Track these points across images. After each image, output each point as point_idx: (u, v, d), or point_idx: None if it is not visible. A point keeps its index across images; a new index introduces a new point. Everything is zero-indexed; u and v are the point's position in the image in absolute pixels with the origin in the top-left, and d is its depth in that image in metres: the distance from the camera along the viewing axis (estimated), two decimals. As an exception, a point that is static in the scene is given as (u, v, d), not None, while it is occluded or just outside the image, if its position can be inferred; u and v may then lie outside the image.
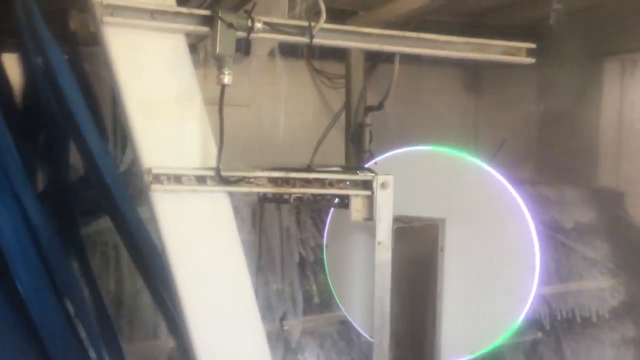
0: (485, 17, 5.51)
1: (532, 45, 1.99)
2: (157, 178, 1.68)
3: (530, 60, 2.00)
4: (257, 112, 5.80)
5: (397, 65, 4.99)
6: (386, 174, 1.88)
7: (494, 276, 1.98)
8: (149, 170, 1.66)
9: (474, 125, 6.69)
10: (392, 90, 4.95)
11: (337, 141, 5.74)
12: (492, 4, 5.11)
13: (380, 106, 5.11)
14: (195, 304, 1.74)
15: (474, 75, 6.65)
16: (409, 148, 2.15)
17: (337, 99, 5.92)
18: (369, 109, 5.31)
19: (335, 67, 5.89)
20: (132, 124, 1.68)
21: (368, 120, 5.33)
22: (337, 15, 5.25)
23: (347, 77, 5.53)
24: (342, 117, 5.71)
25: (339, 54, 5.50)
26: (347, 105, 5.54)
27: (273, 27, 1.74)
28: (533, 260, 1.91)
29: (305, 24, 1.78)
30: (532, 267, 1.90)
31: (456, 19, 5.43)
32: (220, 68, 1.68)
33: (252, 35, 1.71)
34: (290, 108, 5.92)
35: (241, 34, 1.70)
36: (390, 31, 1.85)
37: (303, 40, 1.79)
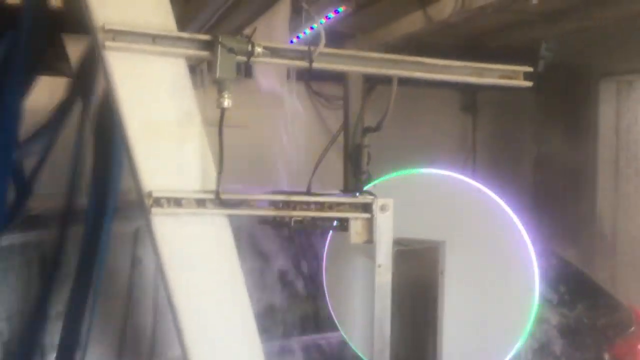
0: (484, 40, 5.57)
1: (529, 69, 2.01)
2: (158, 201, 1.68)
3: (527, 83, 2.02)
4: (256, 134, 5.82)
5: (395, 87, 5.02)
6: (385, 197, 1.88)
7: (494, 299, 1.98)
8: (150, 194, 1.66)
9: (471, 146, 6.71)
10: (390, 111, 4.99)
11: (335, 162, 5.75)
12: (490, 26, 5.16)
13: (378, 127, 5.13)
14: (193, 327, 1.73)
15: (471, 96, 6.69)
16: (408, 170, 2.16)
17: (335, 120, 5.95)
18: (367, 130, 5.32)
19: (333, 89, 5.93)
20: (132, 147, 1.69)
21: (366, 141, 5.35)
22: (336, 37, 5.30)
23: (345, 98, 5.57)
24: (341, 138, 5.74)
25: (337, 76, 5.54)
26: (345, 126, 5.56)
27: (273, 52, 1.76)
28: (533, 282, 1.91)
29: (305, 48, 1.79)
30: (532, 289, 1.90)
31: (455, 41, 5.48)
32: (220, 92, 1.70)
33: (253, 59, 1.72)
34: (290, 129, 5.95)
35: (241, 59, 1.71)
36: (389, 55, 1.87)
37: (303, 64, 1.80)
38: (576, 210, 6.22)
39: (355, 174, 5.28)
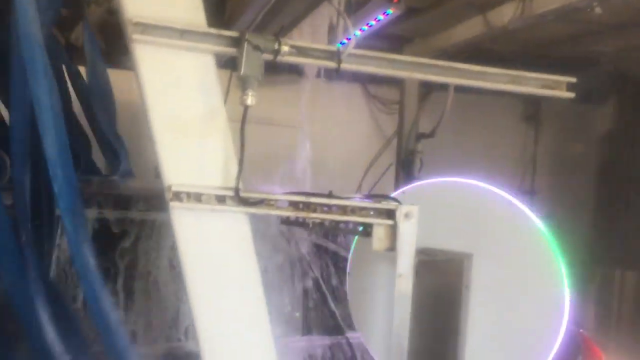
0: (548, 49, 5.38)
1: (572, 80, 1.91)
2: (177, 195, 1.69)
3: (569, 94, 1.92)
4: (308, 134, 5.82)
5: (451, 93, 4.94)
6: (411, 204, 1.83)
7: (521, 317, 1.89)
8: (169, 187, 1.68)
9: (531, 158, 6.49)
10: (446, 118, 4.90)
11: (388, 167, 5.69)
12: (553, 36, 4.98)
13: (432, 134, 5.06)
14: (207, 320, 1.74)
15: (534, 106, 6.47)
16: (440, 179, 2.10)
17: (390, 125, 5.89)
18: (421, 136, 5.25)
19: (390, 93, 5.87)
20: (156, 141, 1.71)
21: (420, 147, 5.27)
22: (394, 40, 5.25)
23: (401, 103, 5.50)
24: (395, 142, 5.68)
25: (394, 80, 5.48)
26: (400, 131, 5.50)
27: (300, 51, 1.74)
28: (562, 302, 1.81)
29: (334, 48, 1.77)
30: (561, 310, 1.81)
31: (516, 49, 5.31)
32: (244, 89, 1.69)
33: (279, 58, 1.71)
34: (342, 131, 5.93)
35: (268, 57, 1.70)
36: (419, 59, 1.82)
37: (331, 64, 1.78)
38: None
39: (406, 180, 5.20)
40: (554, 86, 1.94)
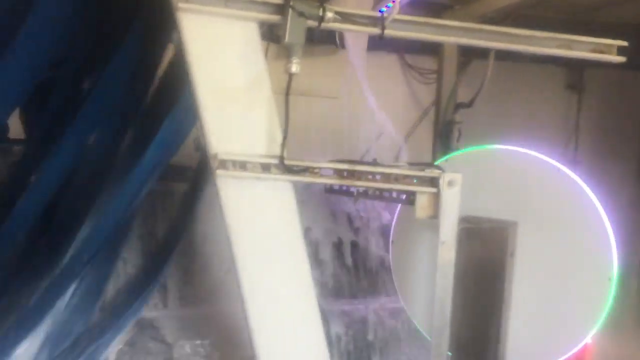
0: (593, 14, 5.20)
1: (624, 43, 1.85)
2: (223, 164, 1.71)
3: (621, 58, 1.86)
4: (347, 105, 5.79)
5: (491, 62, 4.84)
6: (455, 172, 1.81)
7: (567, 285, 1.88)
8: (215, 156, 1.70)
9: (574, 128, 6.34)
10: (485, 87, 4.80)
11: (425, 137, 5.63)
12: (598, 0, 4.81)
13: (471, 103, 4.98)
14: (252, 286, 1.77)
15: (578, 74, 6.29)
16: (484, 146, 2.07)
17: (427, 95, 5.80)
18: (459, 106, 5.17)
19: (427, 62, 5.76)
20: (201, 109, 1.72)
21: (458, 117, 5.19)
22: (435, 8, 5.15)
23: (439, 72, 5.41)
24: (432, 113, 5.60)
25: (432, 49, 5.38)
26: (437, 101, 5.42)
27: (345, 17, 1.72)
28: (610, 270, 1.79)
29: (378, 14, 1.74)
30: (609, 278, 1.78)
31: (560, 15, 5.16)
32: (289, 57, 1.69)
33: (323, 25, 1.70)
34: (380, 102, 5.87)
35: (312, 23, 1.69)
36: (464, 23, 1.78)
37: (375, 31, 1.76)
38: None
39: (445, 151, 5.15)
40: (604, 50, 1.88)
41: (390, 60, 5.88)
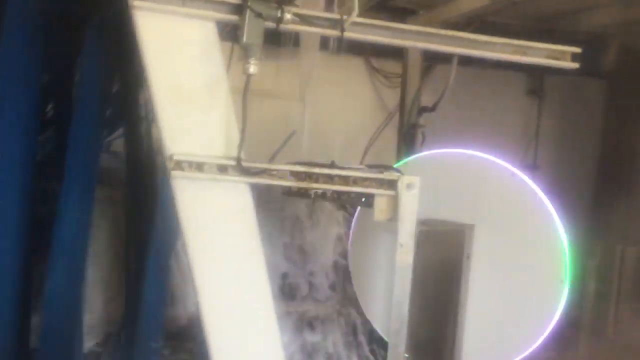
0: (555, 23, 5.31)
1: (577, 50, 1.89)
2: (179, 164, 1.69)
3: (574, 65, 1.90)
4: (311, 107, 5.79)
5: (454, 67, 4.88)
6: (413, 175, 1.82)
7: (521, 287, 1.90)
8: (171, 157, 1.68)
9: (534, 133, 6.46)
10: (448, 92, 4.86)
11: (390, 140, 5.67)
12: (559, 8, 4.91)
13: (434, 108, 5.02)
14: (209, 288, 1.75)
15: (538, 80, 6.42)
16: (443, 150, 2.09)
17: (393, 98, 5.84)
18: (423, 110, 5.22)
19: (392, 66, 5.80)
20: (158, 109, 1.70)
21: (422, 121, 5.24)
22: (399, 13, 5.18)
23: (403, 76, 5.44)
24: (397, 116, 5.64)
25: (397, 53, 5.42)
26: (402, 104, 5.45)
27: (303, 19, 1.72)
28: (563, 272, 1.82)
29: (337, 16, 1.75)
30: (561, 280, 1.81)
31: (523, 22, 5.24)
32: (246, 57, 1.68)
33: (282, 26, 1.69)
34: (345, 105, 5.89)
35: (270, 24, 1.68)
36: (423, 28, 1.80)
37: (334, 33, 1.76)
38: (643, 206, 5.90)
39: (408, 154, 5.18)
40: (558, 56, 1.92)
41: (356, 64, 5.91)
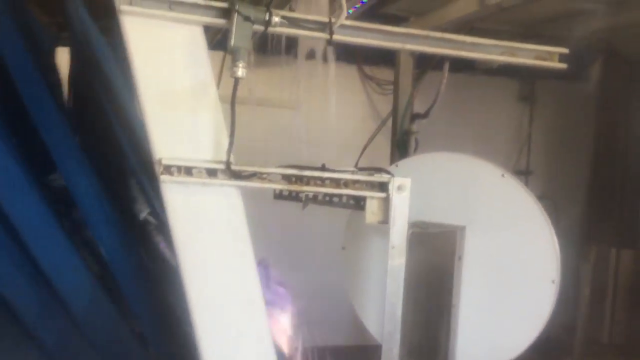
0: (543, 28, 5.35)
1: (565, 50, 1.90)
2: (168, 169, 1.68)
3: (562, 65, 1.91)
4: (306, 115, 5.81)
5: (445, 73, 4.92)
6: (404, 177, 1.82)
7: (513, 287, 1.90)
8: (160, 161, 1.67)
9: (527, 138, 6.49)
10: (440, 98, 4.88)
11: (384, 147, 5.69)
12: (549, 14, 4.94)
13: (426, 114, 5.05)
14: (199, 296, 1.73)
15: (529, 86, 6.46)
16: (433, 153, 2.09)
17: (385, 105, 5.87)
18: (415, 117, 5.24)
19: (384, 73, 5.84)
20: (146, 114, 1.69)
21: (414, 127, 5.26)
22: (390, 20, 5.21)
23: (395, 83, 5.47)
24: (390, 123, 5.66)
25: (389, 60, 5.45)
26: (394, 111, 5.48)
27: (292, 22, 1.72)
28: (554, 273, 1.82)
29: (326, 19, 1.75)
30: (552, 281, 1.81)
31: (512, 28, 5.28)
32: (234, 61, 1.67)
33: (270, 29, 1.70)
34: (339, 112, 5.92)
35: (258, 28, 1.69)
36: (411, 30, 1.81)
37: (323, 36, 1.76)
38: (635, 209, 5.93)
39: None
40: (546, 57, 1.93)
41: (349, 71, 5.94)
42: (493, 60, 1.91)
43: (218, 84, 1.82)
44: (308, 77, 5.66)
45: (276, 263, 2.56)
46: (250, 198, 1.83)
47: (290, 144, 5.60)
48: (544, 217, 1.84)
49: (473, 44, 1.87)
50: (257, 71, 5.29)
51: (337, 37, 1.78)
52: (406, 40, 1.81)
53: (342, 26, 1.77)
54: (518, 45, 1.92)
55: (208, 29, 1.79)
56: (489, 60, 1.90)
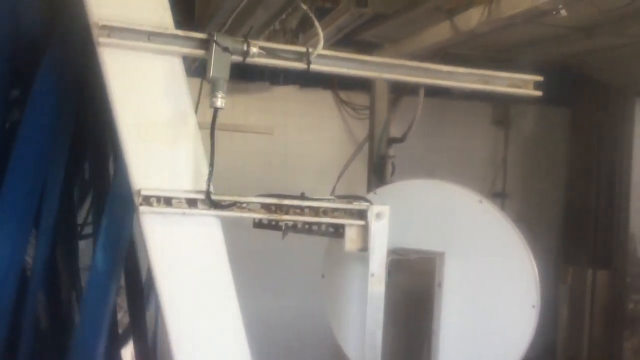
0: (515, 53, 5.46)
1: (539, 78, 1.94)
2: (147, 200, 1.67)
3: (537, 93, 1.95)
4: (282, 141, 5.83)
5: (421, 98, 4.97)
6: (383, 204, 1.83)
7: (494, 313, 1.91)
8: (139, 192, 1.66)
9: (502, 161, 6.58)
10: (416, 122, 4.94)
11: (361, 172, 5.72)
12: (521, 39, 5.06)
13: (403, 138, 5.10)
14: (179, 326, 1.71)
15: (503, 110, 6.56)
16: (412, 180, 2.11)
17: (361, 130, 5.92)
18: (392, 141, 5.29)
19: (360, 98, 5.89)
20: (124, 145, 1.68)
21: (391, 152, 5.31)
22: (365, 46, 5.28)
23: (371, 108, 5.53)
24: (366, 147, 5.70)
25: (365, 85, 5.51)
26: (371, 136, 5.53)
27: (269, 52, 1.74)
28: (534, 297, 1.84)
29: (303, 49, 1.77)
30: (532, 305, 1.83)
31: (485, 53, 5.38)
32: (213, 91, 1.68)
33: (248, 59, 1.71)
34: (315, 137, 5.95)
35: (237, 58, 1.70)
36: (387, 59, 1.83)
37: (300, 65, 1.78)
38: (609, 230, 6.03)
39: (379, 185, 5.22)
40: (521, 85, 1.97)
41: (325, 96, 5.99)
42: (467, 88, 1.95)
43: (195, 111, 1.82)
44: (284, 102, 5.71)
45: (257, 290, 2.54)
46: (230, 226, 1.83)
47: (267, 168, 5.61)
48: (523, 243, 1.86)
49: (449, 73, 1.91)
50: (233, 97, 5.32)
51: (314, 66, 1.80)
52: (383, 69, 1.84)
53: (320, 56, 1.79)
54: (492, 73, 1.96)
55: (186, 57, 1.80)
56: (464, 88, 1.93)
